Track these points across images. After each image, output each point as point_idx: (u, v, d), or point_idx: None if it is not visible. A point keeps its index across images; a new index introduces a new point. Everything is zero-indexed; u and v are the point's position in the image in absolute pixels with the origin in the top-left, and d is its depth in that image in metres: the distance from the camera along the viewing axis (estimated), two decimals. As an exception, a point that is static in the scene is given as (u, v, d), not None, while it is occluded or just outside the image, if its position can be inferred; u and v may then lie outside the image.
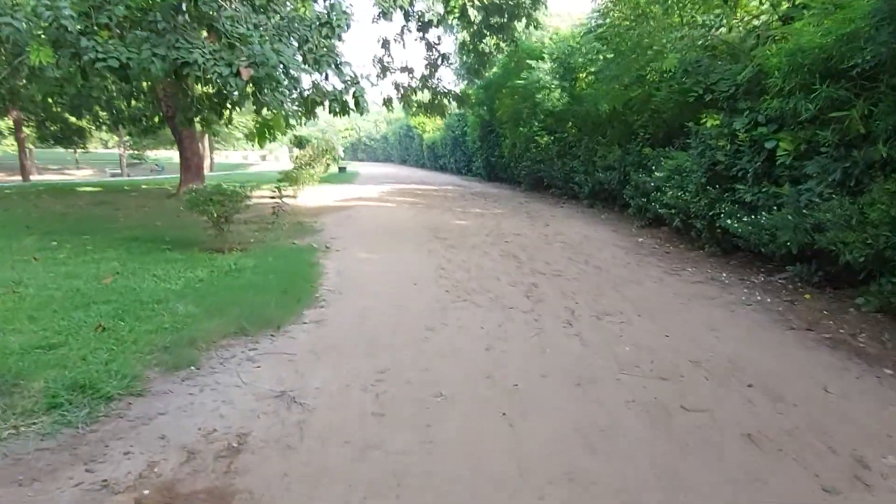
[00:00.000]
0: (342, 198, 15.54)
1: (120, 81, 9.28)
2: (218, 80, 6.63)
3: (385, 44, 19.25)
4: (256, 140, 8.44)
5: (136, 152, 47.34)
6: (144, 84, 15.50)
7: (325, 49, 8.82)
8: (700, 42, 7.46)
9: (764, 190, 5.94)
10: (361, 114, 10.28)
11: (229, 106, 10.67)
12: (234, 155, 65.66)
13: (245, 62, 6.71)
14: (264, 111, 8.87)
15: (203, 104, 11.55)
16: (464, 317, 4.83)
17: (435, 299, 5.35)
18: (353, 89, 9.62)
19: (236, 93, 6.86)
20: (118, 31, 6.88)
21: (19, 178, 27.24)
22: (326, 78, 9.34)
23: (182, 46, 6.67)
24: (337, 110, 9.72)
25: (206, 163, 44.73)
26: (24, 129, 27.13)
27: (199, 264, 6.33)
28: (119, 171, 48.37)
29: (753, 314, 4.95)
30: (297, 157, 17.57)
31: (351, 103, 9.97)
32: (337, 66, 8.87)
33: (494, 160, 21.55)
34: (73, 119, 22.18)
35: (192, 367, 3.58)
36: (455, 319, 4.75)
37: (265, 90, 7.52)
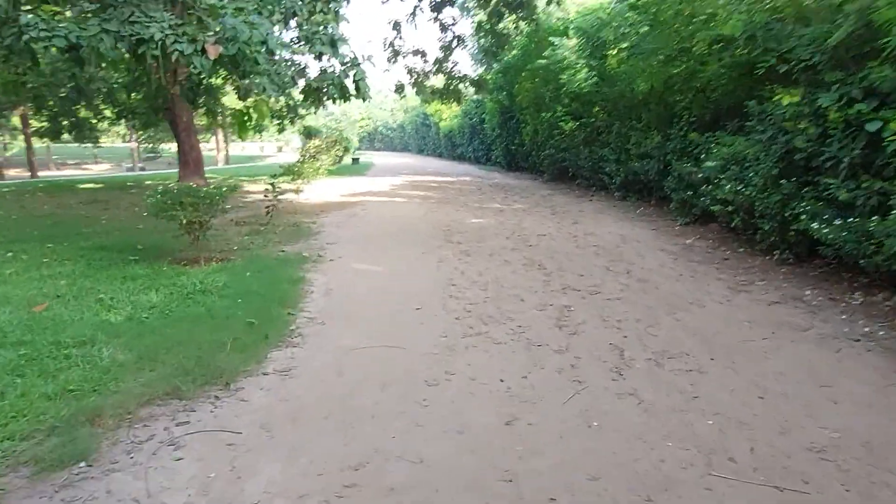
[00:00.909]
0: (350, 192, 14.42)
1: (75, 65, 8.22)
2: (181, 60, 5.50)
3: (396, 26, 18.02)
4: (237, 132, 7.29)
5: (150, 146, 47.10)
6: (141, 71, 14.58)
7: (318, 25, 7.66)
8: (769, 3, 6.08)
9: (864, 185, 4.61)
10: (364, 100, 9.14)
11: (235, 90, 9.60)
12: (251, 146, 65.08)
13: (213, 38, 5.57)
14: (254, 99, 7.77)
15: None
16: (477, 362, 3.65)
17: (441, 332, 4.18)
18: (352, 72, 8.47)
19: (203, 73, 5.70)
20: (68, 4, 5.81)
21: (28, 174, 26.77)
22: (320, 59, 8.17)
23: (139, 21, 5.56)
24: (335, 96, 8.57)
25: (221, 155, 44.30)
26: (37, 123, 26.52)
27: (160, 283, 5.27)
28: (140, 165, 48.19)
29: (870, 357, 3.67)
30: (303, 148, 16.45)
31: (351, 88, 8.84)
32: (332, 44, 7.69)
33: (514, 148, 20.22)
34: (81, 113, 21.39)
35: (83, 463, 2.48)
36: (465, 366, 3.58)
37: (246, 71, 6.40)
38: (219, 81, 17.91)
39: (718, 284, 5.36)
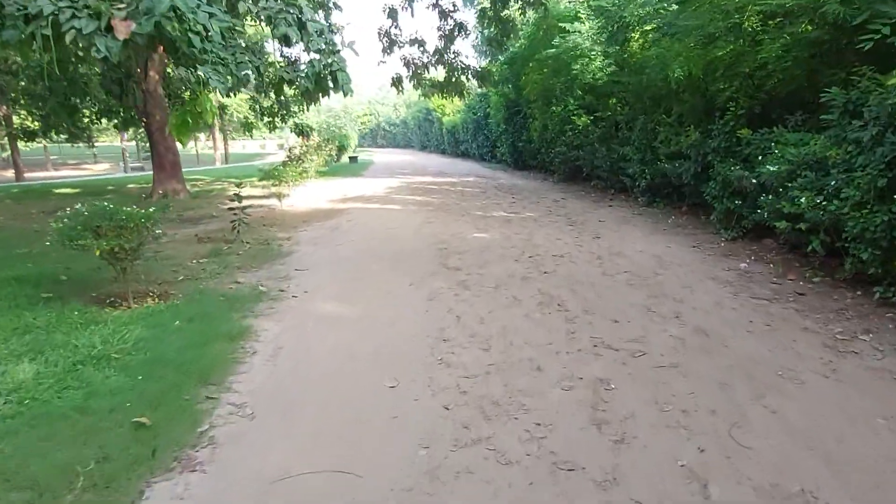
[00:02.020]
0: (341, 197, 13.04)
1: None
2: (78, 41, 4.10)
3: (392, 13, 16.55)
4: (175, 135, 5.89)
5: (146, 145, 45.97)
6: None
7: (284, 2, 6.26)
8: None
9: None
10: (346, 94, 7.72)
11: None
12: (252, 144, 63.69)
13: (123, 12, 4.17)
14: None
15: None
16: (474, 514, 2.26)
17: (421, 438, 2.78)
18: (329, 60, 7.05)
19: (109, 58, 4.27)
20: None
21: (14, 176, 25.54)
22: (287, 44, 6.75)
23: (25, -10, 4.17)
24: (309, 88, 7.16)
25: (219, 154, 43.06)
26: (30, 123, 25.22)
27: (55, 339, 3.91)
28: (138, 165, 47.07)
29: None
30: (289, 148, 15.05)
31: (330, 81, 7.45)
32: (299, 26, 6.28)
33: (522, 145, 18.75)
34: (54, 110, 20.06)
35: None
36: (454, 525, 2.19)
37: (182, 57, 5.00)
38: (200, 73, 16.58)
39: (809, 340, 3.92)
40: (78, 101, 16.37)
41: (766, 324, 4.22)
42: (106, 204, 4.79)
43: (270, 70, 8.06)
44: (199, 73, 5.13)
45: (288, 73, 7.26)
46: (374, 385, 3.36)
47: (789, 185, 5.33)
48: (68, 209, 4.74)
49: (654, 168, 9.22)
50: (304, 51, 7.61)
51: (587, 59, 10.32)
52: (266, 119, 20.72)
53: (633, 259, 6.34)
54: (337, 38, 8.22)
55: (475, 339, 4.06)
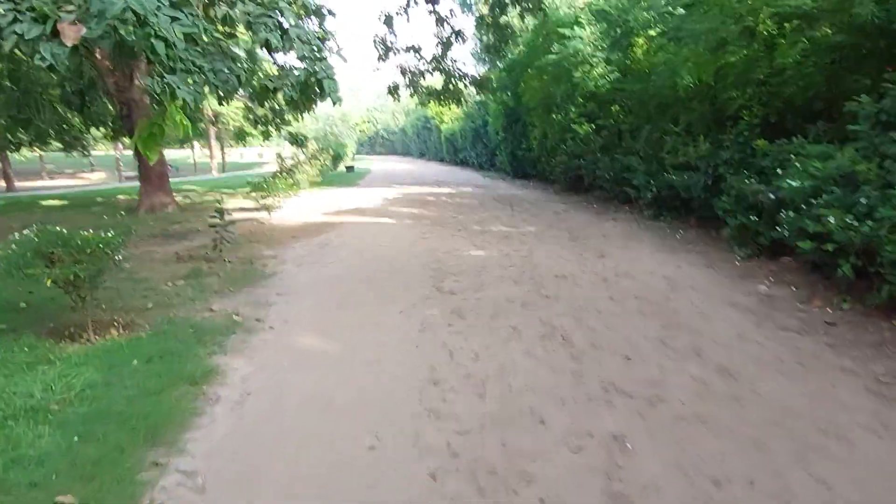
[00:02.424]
0: (334, 209, 12.59)
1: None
2: (21, 47, 3.65)
3: (388, 20, 16.19)
4: (140, 148, 5.42)
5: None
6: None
7: (265, 5, 5.83)
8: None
9: None
10: (335, 103, 7.29)
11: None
12: (250, 153, 63.24)
13: (72, 15, 3.72)
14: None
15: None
16: None
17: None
18: (315, 68, 6.62)
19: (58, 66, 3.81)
20: None
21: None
22: (270, 51, 6.31)
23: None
24: (294, 97, 6.73)
25: (215, 162, 42.65)
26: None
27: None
28: (133, 174, 46.61)
29: None
30: (281, 158, 14.61)
31: (324, 89, 7.04)
32: (281, 30, 5.85)
33: (521, 154, 18.34)
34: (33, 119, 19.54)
35: None
36: None
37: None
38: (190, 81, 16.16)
39: (849, 384, 3.44)
40: (33, 113, 15.56)
41: (798, 362, 3.75)
42: (60, 228, 4.33)
43: (255, 78, 7.62)
44: (168, 81, 4.66)
45: (272, 81, 6.81)
46: (351, 445, 2.89)
47: (813, 201, 4.87)
48: (16, 234, 4.28)
49: (660, 179, 8.77)
50: (297, 58, 7.21)
51: (589, 66, 9.90)
52: (260, 128, 20.32)
53: (642, 281, 5.87)
54: (328, 45, 7.80)
55: (469, 381, 3.58)
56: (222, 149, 45.08)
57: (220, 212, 7.50)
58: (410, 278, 6.21)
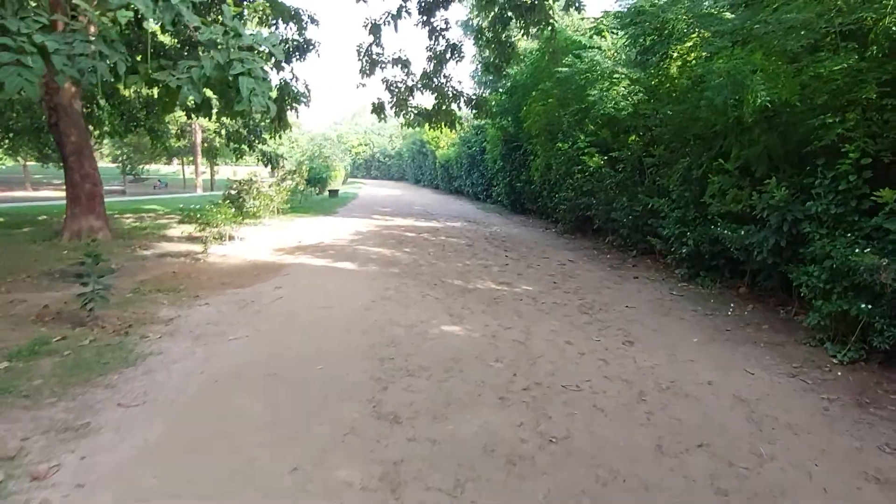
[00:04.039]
0: (293, 244, 10.42)
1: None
2: None
3: (374, 28, 14.30)
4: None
5: (128, 167, 43.79)
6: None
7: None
8: None
9: None
10: (258, 110, 5.24)
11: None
12: (244, 170, 61.53)
13: None
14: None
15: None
16: None
17: None
18: (224, 59, 4.58)
19: None
20: None
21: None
22: (137, 24, 4.16)
23: None
24: (191, 96, 4.65)
25: (201, 179, 40.72)
26: None
27: None
28: (118, 188, 44.66)
29: None
30: (232, 183, 12.50)
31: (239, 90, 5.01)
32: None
33: (520, 186, 16.31)
34: None
35: None
36: None
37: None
38: (146, 91, 14.20)
39: None
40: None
41: None
42: None
43: (141, 69, 5.51)
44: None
45: (173, 73, 4.72)
46: None
47: None
48: None
49: (701, 231, 6.67)
50: (202, 43, 5.12)
51: (608, 83, 7.87)
52: (232, 145, 18.34)
53: (701, 405, 3.69)
54: (270, 36, 5.73)
55: None
56: (212, 166, 43.28)
57: (94, 257, 5.33)
58: (340, 379, 4.01)
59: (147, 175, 53.00)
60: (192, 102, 4.73)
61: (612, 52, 8.57)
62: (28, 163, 36.53)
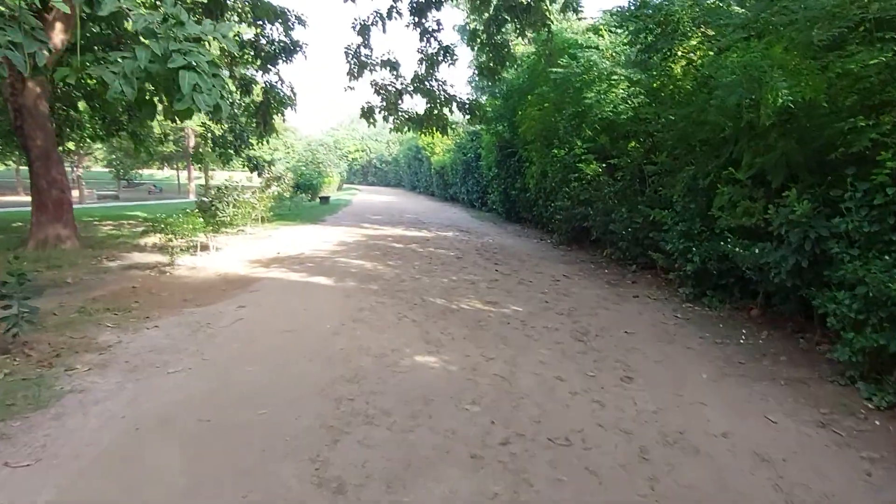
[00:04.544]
0: (270, 255, 9.78)
1: None
2: None
3: (363, 29, 13.73)
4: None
5: (120, 171, 43.27)
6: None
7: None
8: None
9: None
10: (210, 113, 4.59)
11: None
12: (239, 175, 60.91)
13: None
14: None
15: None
16: None
17: None
18: (162, 48, 3.96)
19: None
20: None
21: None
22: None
23: None
24: (121, 89, 4.03)
25: (194, 185, 40.10)
26: None
27: None
28: (111, 193, 44.09)
29: None
30: (206, 191, 11.87)
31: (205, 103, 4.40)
32: None
33: (515, 194, 15.70)
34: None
35: None
36: None
37: None
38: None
39: None
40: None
41: None
42: None
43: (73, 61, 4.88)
44: None
45: (109, 66, 4.10)
46: None
47: None
48: None
49: (708, 247, 6.03)
50: (138, 32, 4.51)
51: (606, 85, 7.26)
52: (218, 150, 17.75)
53: (715, 465, 3.04)
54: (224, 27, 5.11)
55: None
56: (206, 170, 42.73)
57: (19, 276, 4.67)
58: (286, 426, 3.36)
59: (142, 180, 52.53)
60: (123, 98, 4.08)
61: (611, 52, 7.98)
62: (22, 167, 36.01)
